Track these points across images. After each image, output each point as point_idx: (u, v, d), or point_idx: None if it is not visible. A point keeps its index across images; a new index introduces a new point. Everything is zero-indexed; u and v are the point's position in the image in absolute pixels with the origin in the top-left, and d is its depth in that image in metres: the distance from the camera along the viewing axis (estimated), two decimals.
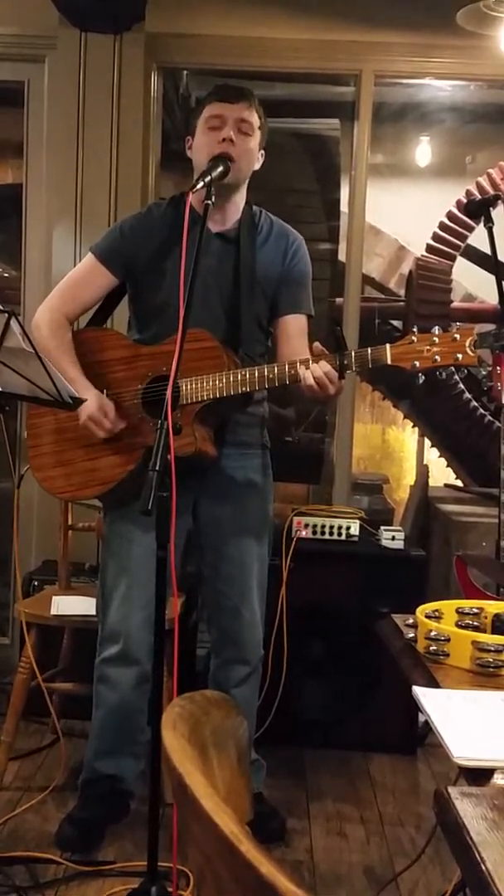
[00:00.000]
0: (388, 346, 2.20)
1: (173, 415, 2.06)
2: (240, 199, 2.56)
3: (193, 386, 2.35)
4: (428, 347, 2.15)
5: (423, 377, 2.19)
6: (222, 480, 2.56)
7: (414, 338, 2.17)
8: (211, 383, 2.34)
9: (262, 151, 2.55)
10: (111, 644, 2.56)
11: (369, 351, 2.23)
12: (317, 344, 2.31)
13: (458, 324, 2.18)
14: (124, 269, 2.59)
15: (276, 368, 2.32)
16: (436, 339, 2.15)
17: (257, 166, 2.55)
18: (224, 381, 2.33)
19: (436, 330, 2.16)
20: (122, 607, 2.54)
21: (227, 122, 2.44)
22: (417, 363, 2.16)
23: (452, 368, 2.19)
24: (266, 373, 2.32)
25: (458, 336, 2.14)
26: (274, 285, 2.57)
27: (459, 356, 2.14)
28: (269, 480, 2.67)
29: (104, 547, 2.65)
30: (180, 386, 2.34)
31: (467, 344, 2.13)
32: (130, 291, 2.64)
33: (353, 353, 2.24)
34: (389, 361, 2.19)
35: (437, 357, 2.15)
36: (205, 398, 2.35)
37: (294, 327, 2.59)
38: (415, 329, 2.19)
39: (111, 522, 2.61)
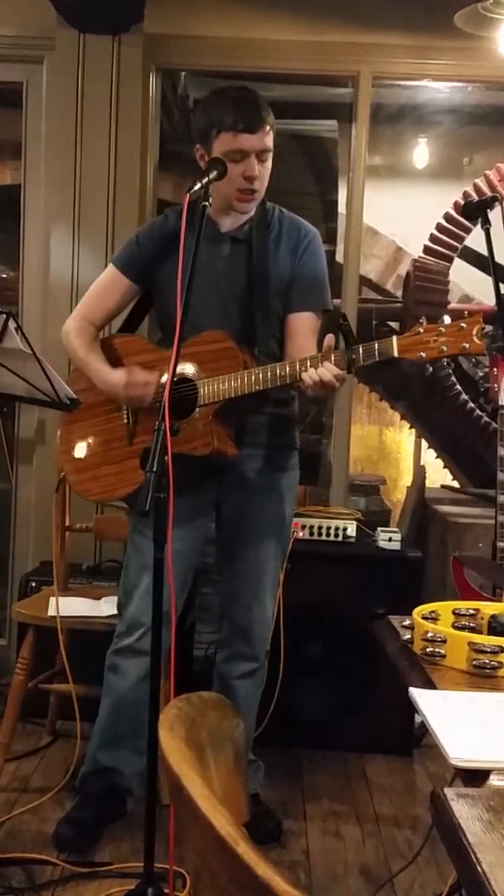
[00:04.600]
0: (394, 337, 2.19)
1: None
2: None
3: (211, 386, 2.40)
4: (435, 338, 2.14)
5: (431, 368, 2.18)
6: (244, 481, 2.59)
7: (421, 329, 2.16)
8: (227, 383, 2.38)
9: None
10: (128, 635, 2.60)
11: (376, 344, 2.21)
12: (329, 336, 2.29)
13: (466, 311, 2.16)
14: (142, 277, 2.64)
15: (287, 366, 2.32)
16: (442, 329, 2.13)
17: None
18: (239, 380, 2.37)
19: (444, 319, 2.14)
20: (143, 602, 2.54)
21: (250, 157, 2.41)
22: (424, 354, 2.15)
23: (450, 371, 2.19)
24: (278, 370, 2.33)
25: (464, 325, 2.11)
26: (287, 282, 2.56)
27: (466, 345, 2.12)
28: (291, 482, 2.68)
29: (128, 544, 2.68)
30: (199, 387, 2.41)
31: (474, 332, 2.11)
32: (153, 298, 2.69)
33: (360, 347, 2.23)
34: (396, 354, 2.18)
35: (443, 347, 2.13)
36: (221, 398, 2.39)
37: (300, 325, 2.57)
38: (422, 320, 2.17)
39: (135, 521, 2.65)
